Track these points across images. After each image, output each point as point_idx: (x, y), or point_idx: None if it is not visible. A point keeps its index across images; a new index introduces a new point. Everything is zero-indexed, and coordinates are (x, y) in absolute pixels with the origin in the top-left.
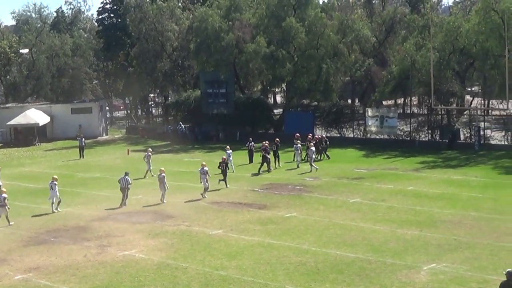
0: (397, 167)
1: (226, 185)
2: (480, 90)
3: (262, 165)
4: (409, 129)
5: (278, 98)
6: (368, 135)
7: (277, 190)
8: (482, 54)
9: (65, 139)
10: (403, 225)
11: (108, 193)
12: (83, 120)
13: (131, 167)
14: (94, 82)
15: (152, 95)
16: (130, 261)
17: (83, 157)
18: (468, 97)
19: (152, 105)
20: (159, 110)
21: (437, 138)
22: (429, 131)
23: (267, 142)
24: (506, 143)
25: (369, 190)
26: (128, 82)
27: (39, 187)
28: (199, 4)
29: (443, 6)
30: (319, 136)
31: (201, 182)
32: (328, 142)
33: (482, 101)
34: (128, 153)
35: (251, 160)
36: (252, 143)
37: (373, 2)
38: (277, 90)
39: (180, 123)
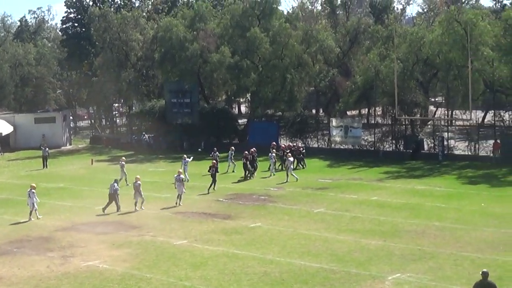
0: (361, 177)
1: (214, 188)
2: (443, 101)
3: (246, 173)
4: (373, 139)
5: (243, 108)
6: (333, 145)
7: (242, 200)
8: (445, 64)
9: (28, 149)
10: (367, 235)
11: (71, 203)
12: (46, 129)
13: (95, 177)
14: (57, 92)
15: (116, 104)
16: (94, 272)
17: (46, 167)
18: (431, 107)
19: (116, 115)
20: (123, 120)
21: (401, 148)
22: (393, 141)
23: (247, 152)
24: (469, 153)
25: (333, 200)
26: (92, 92)
27: (1, 197)
28: (164, 14)
29: (406, 17)
30: (295, 145)
31: (175, 188)
32: (304, 151)
33: (446, 112)
34: (92, 163)
35: (216, 170)
36: (217, 153)
37: (337, 12)
38: (241, 100)
39: (144, 133)
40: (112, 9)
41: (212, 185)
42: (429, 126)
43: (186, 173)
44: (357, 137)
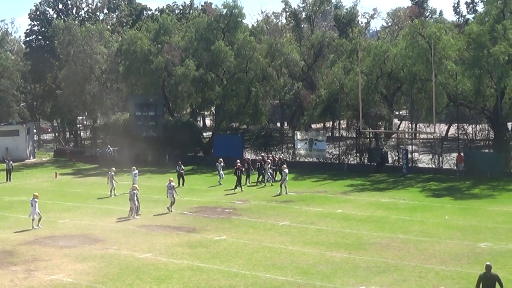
0: (326, 190)
1: (241, 189)
2: (407, 114)
3: (240, 182)
4: (337, 152)
5: (208, 121)
6: (297, 158)
7: (206, 213)
8: (409, 78)
9: None
10: (332, 248)
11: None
12: (10, 142)
13: (58, 190)
14: (21, 105)
15: (80, 117)
16: (58, 286)
17: (10, 180)
18: (396, 120)
19: (81, 128)
20: (88, 133)
21: (366, 161)
22: (358, 154)
23: (239, 161)
24: (433, 166)
25: (298, 213)
26: (56, 105)
27: None
28: (128, 26)
29: (371, 31)
30: (275, 157)
31: (167, 197)
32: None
33: (410, 125)
34: (56, 176)
35: (182, 183)
36: (182, 166)
37: (302, 26)
38: (206, 113)
39: (109, 146)
40: (76, 22)
41: (238, 185)
42: (394, 139)
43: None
44: (321, 150)
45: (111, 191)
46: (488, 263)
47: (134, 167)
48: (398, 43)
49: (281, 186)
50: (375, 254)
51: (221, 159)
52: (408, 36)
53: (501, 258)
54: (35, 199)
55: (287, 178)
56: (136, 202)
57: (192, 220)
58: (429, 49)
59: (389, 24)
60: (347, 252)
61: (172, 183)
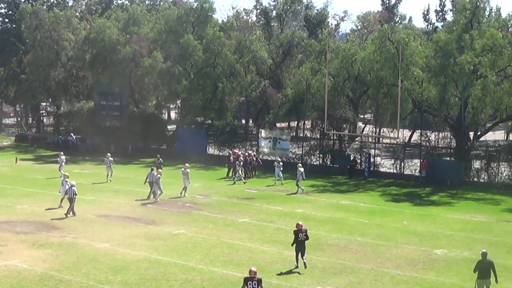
0: (287, 189)
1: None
2: (372, 118)
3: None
4: (301, 152)
5: (173, 114)
6: (261, 156)
7: (167, 207)
8: (376, 82)
9: None
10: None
11: None
12: None
13: (18, 175)
14: None
15: (44, 103)
16: (12, 271)
17: None
18: (360, 124)
19: (44, 114)
20: (51, 120)
21: (328, 162)
22: (321, 156)
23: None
24: (394, 171)
25: (258, 210)
26: (20, 89)
27: None
28: (97, 15)
29: (340, 33)
30: (247, 153)
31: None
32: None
33: (374, 129)
34: (16, 161)
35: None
36: (161, 160)
37: (272, 24)
38: (172, 106)
39: (72, 134)
40: (44, 7)
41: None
42: (357, 142)
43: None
44: (285, 149)
45: (108, 176)
46: (484, 250)
47: (109, 154)
48: (366, 47)
49: (297, 185)
50: (332, 255)
51: (158, 155)
52: (377, 40)
53: (455, 265)
54: (66, 179)
55: (300, 178)
56: (160, 186)
57: (152, 212)
58: (397, 54)
59: (359, 27)
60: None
61: (188, 170)
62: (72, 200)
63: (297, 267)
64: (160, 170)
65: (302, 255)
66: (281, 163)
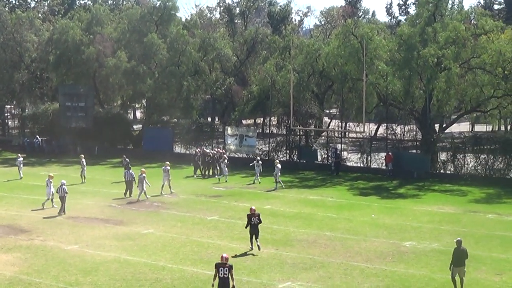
0: (255, 186)
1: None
2: (338, 113)
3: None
4: (267, 149)
5: (138, 114)
6: (227, 153)
7: (135, 206)
8: (340, 77)
9: None
10: (263, 245)
11: None
12: None
13: None
14: None
15: (8, 106)
16: None
17: None
18: (326, 119)
19: (8, 117)
20: (15, 122)
21: (295, 158)
22: (287, 151)
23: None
24: (361, 165)
25: (226, 208)
26: None
27: None
28: (60, 16)
29: (304, 29)
30: (215, 150)
31: (137, 187)
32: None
33: (340, 123)
34: None
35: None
36: (128, 160)
37: (236, 21)
38: (137, 105)
39: (37, 136)
40: (6, 9)
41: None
42: (323, 137)
43: (20, 171)
44: (251, 146)
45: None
46: (459, 238)
47: (82, 155)
48: (330, 42)
49: (276, 181)
50: (302, 251)
51: (124, 155)
52: (341, 35)
53: (424, 257)
54: (50, 180)
55: (279, 174)
56: (144, 186)
57: (120, 212)
58: (361, 49)
59: (323, 22)
60: (274, 248)
61: (144, 174)
62: (64, 199)
63: (251, 249)
64: (143, 169)
65: (256, 238)
66: (260, 162)
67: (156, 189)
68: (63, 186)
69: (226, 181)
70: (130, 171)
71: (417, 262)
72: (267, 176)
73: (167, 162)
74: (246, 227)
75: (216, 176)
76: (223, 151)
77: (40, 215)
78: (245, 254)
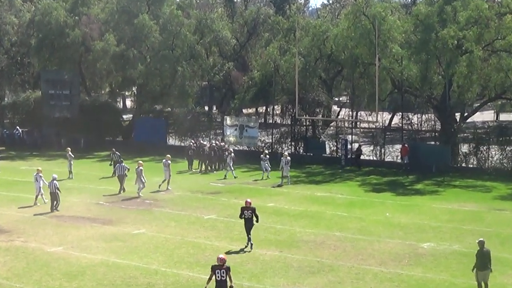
0: (257, 181)
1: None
2: (348, 101)
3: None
4: (271, 141)
5: (128, 103)
6: (226, 145)
7: (125, 204)
8: (351, 61)
9: None
10: (262, 245)
11: None
12: None
13: None
14: None
15: None
16: None
17: None
18: (335, 107)
19: None
20: None
21: (301, 151)
22: (292, 143)
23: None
24: (374, 158)
25: (225, 206)
26: None
27: None
28: None
29: (310, 9)
30: (215, 143)
31: (135, 183)
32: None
33: (350, 112)
34: None
35: (114, 173)
36: (117, 153)
37: (235, 1)
38: (127, 93)
39: (18, 127)
40: None
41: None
42: (332, 127)
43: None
44: (253, 137)
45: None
46: (481, 239)
47: (69, 149)
48: (339, 23)
49: (282, 177)
50: (308, 253)
51: (114, 149)
52: (351, 15)
53: (444, 260)
54: (40, 174)
55: (286, 167)
56: (142, 180)
57: (108, 211)
58: (373, 30)
59: (331, 1)
60: (278, 249)
61: (169, 161)
62: (56, 195)
63: (246, 246)
64: (140, 162)
65: (248, 233)
66: (267, 156)
67: (151, 186)
68: (54, 181)
69: (235, 177)
70: (123, 164)
71: (436, 266)
72: (273, 170)
73: (168, 156)
74: (240, 217)
75: (224, 170)
76: (223, 143)
77: (21, 213)
78: (245, 255)
